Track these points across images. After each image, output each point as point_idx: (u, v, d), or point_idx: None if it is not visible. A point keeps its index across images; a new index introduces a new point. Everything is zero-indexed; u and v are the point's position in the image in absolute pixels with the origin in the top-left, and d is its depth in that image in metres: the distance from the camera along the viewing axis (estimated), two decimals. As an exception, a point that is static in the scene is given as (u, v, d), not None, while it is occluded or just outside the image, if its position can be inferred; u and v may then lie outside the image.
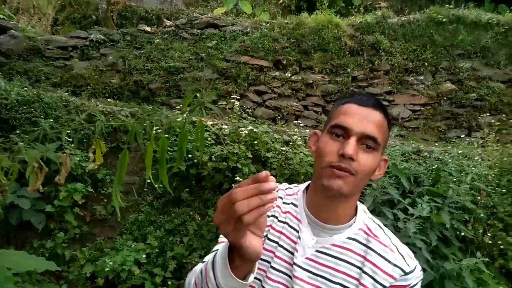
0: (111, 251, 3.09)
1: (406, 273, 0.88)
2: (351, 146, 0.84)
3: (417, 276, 0.90)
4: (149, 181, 1.01)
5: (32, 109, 3.40)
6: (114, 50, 4.93)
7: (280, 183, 1.10)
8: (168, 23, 5.36)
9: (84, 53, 4.88)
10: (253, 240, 0.70)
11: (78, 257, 3.08)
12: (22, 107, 3.42)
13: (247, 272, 0.75)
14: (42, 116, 3.33)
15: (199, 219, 3.20)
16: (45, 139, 3.02)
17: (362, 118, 0.87)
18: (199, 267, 0.93)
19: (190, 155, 3.16)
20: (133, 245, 3.03)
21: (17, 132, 3.19)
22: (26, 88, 3.71)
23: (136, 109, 3.65)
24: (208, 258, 0.89)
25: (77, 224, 3.23)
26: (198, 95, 4.45)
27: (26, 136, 2.82)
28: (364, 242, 0.91)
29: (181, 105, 4.03)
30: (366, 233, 0.93)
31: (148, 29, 5.24)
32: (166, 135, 1.06)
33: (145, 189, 3.40)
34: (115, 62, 4.79)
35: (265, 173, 0.63)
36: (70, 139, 3.22)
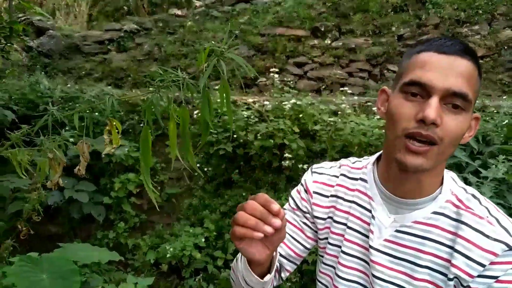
0: (171, 237, 3.14)
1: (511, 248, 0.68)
2: (433, 107, 0.65)
3: None
4: (176, 160, 0.95)
5: (77, 105, 3.47)
6: (148, 38, 4.92)
7: (332, 156, 0.98)
8: (198, 3, 5.27)
9: (121, 45, 4.92)
10: (257, 250, 0.72)
11: (141, 245, 3.15)
12: (67, 103, 3.49)
13: (265, 272, 0.80)
14: (87, 111, 3.37)
15: (253, 199, 3.16)
16: (93, 133, 3.07)
17: (445, 70, 0.67)
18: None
19: (235, 136, 3.09)
20: (191, 230, 3.05)
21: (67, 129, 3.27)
22: (69, 85, 3.79)
23: (177, 94, 3.62)
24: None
25: (135, 213, 3.31)
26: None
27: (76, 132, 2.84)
28: (454, 216, 0.75)
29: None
30: (455, 205, 0.75)
31: (179, 12, 5.18)
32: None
33: (195, 174, 3.40)
34: (151, 51, 4.79)
35: (278, 209, 0.64)
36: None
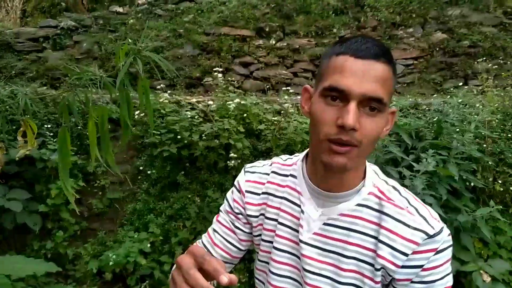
0: (114, 244, 3.00)
1: (430, 236, 0.73)
2: (351, 114, 0.68)
3: (445, 240, 0.75)
4: (98, 161, 0.90)
5: (8, 107, 3.21)
6: (87, 36, 4.68)
7: (277, 154, 1.00)
8: (141, 1, 5.10)
9: (57, 43, 4.64)
10: None
11: (82, 254, 2.99)
12: (-5, 105, 3.22)
13: None
14: (20, 113, 3.14)
15: (199, 201, 3.11)
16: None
17: (362, 76, 0.69)
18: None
19: (179, 136, 3.03)
20: (135, 236, 2.94)
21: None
22: (-2, 85, 3.50)
23: (117, 94, 3.47)
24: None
25: (75, 220, 3.12)
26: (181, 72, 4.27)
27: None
28: (377, 207, 0.79)
29: (161, 85, 3.86)
30: (377, 197, 0.80)
31: (121, 9, 4.99)
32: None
33: (139, 177, 3.28)
34: (91, 49, 4.56)
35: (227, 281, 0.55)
36: (51, 134, 3.07)
